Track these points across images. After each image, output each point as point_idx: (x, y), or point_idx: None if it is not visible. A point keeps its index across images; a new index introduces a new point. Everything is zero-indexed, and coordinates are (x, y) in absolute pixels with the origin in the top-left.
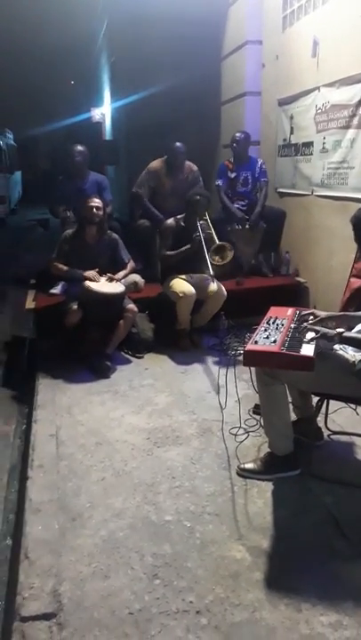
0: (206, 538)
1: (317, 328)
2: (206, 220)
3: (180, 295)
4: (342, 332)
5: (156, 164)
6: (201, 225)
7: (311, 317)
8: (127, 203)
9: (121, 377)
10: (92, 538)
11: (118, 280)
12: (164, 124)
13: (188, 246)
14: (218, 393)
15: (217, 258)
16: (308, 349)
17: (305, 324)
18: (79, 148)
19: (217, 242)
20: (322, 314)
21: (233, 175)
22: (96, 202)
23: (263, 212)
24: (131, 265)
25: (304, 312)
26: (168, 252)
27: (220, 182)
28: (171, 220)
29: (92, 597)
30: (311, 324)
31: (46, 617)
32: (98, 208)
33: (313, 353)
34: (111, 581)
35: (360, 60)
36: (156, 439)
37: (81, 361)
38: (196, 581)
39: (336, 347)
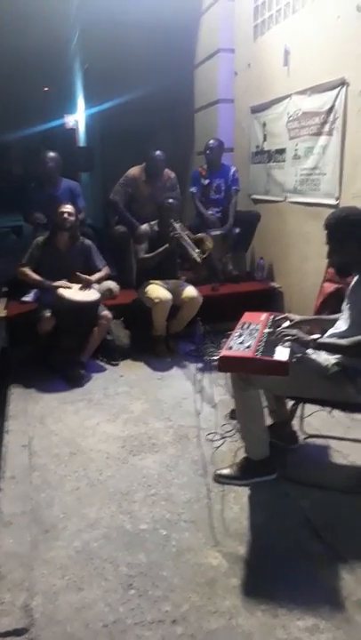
0: (182, 545)
1: (293, 332)
2: (181, 225)
3: (156, 301)
4: (317, 339)
5: (135, 171)
6: (177, 225)
7: (286, 322)
8: (103, 209)
9: (95, 385)
10: (66, 549)
11: (92, 284)
12: (139, 130)
13: (167, 245)
14: (194, 399)
15: (198, 252)
16: (281, 354)
17: (279, 328)
18: (51, 154)
19: (193, 236)
20: (296, 317)
21: (206, 182)
22: (67, 208)
23: (237, 217)
24: (106, 270)
25: (278, 317)
26: (145, 255)
27: (193, 189)
28: (145, 226)
29: (65, 611)
30: (286, 327)
31: (17, 633)
32: (69, 214)
33: (287, 358)
34: (85, 593)
35: (330, 69)
36: (131, 447)
37: (54, 369)
38: (171, 590)
39: (309, 351)
